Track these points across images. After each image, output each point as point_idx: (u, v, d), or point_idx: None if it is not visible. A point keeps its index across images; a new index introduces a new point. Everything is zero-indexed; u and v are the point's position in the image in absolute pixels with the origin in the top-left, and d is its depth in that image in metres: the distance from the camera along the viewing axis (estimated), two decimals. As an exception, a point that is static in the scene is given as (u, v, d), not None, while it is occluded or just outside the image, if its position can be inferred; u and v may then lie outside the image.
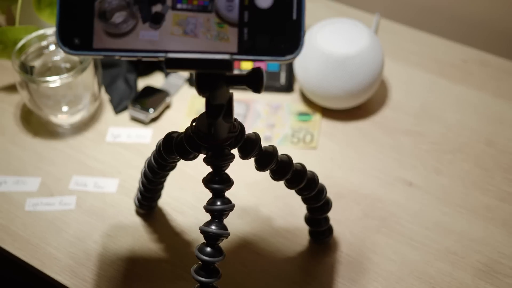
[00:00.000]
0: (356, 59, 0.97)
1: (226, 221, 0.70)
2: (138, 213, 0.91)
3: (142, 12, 0.58)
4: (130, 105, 1.02)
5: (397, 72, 1.10)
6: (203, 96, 0.62)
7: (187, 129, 0.69)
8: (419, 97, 1.07)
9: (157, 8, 0.58)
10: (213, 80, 0.61)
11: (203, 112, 0.66)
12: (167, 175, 0.83)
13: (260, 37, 0.58)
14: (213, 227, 0.69)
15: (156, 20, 0.58)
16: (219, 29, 0.58)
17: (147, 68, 1.10)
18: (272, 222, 0.90)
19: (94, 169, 0.96)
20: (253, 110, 1.04)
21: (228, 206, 0.69)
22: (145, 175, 0.81)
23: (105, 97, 1.06)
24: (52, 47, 0.99)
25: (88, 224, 0.89)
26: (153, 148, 0.77)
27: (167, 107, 1.04)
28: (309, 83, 1.00)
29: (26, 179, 0.94)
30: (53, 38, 0.99)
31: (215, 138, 0.67)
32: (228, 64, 0.58)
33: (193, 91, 1.07)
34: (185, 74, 1.09)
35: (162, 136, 0.74)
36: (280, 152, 0.74)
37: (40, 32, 0.98)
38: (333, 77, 0.98)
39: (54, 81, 0.94)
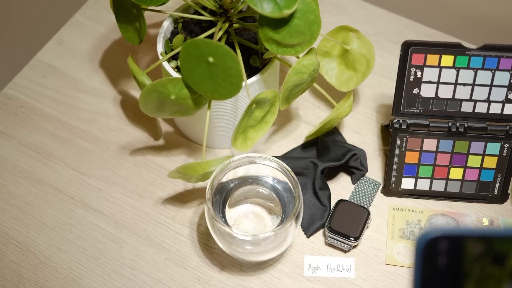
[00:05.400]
0: None
1: None
2: None
3: None
4: (326, 230, 0.89)
5: None
6: None
7: None
8: None
9: None
10: None
11: None
12: None
13: None
14: None
15: None
16: None
17: (329, 170, 0.96)
18: None
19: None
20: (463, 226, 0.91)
21: None
22: None
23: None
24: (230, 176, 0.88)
25: None
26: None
27: (367, 227, 0.91)
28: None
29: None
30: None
31: None
32: None
33: (389, 201, 0.94)
34: (377, 177, 0.95)
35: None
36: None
37: (228, 161, 0.86)
38: None
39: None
